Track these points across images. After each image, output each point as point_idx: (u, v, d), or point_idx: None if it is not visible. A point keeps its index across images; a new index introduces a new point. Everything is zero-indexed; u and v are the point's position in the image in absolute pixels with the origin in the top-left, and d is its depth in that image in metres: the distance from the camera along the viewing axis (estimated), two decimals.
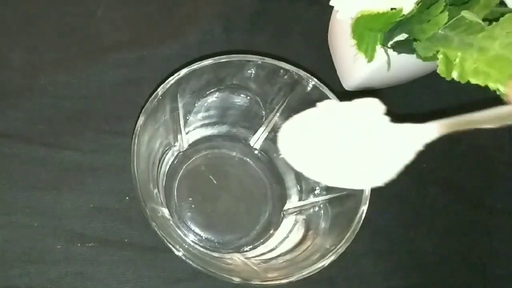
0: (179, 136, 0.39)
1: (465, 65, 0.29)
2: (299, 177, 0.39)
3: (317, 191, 0.38)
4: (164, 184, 0.38)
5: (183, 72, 0.34)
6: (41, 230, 0.37)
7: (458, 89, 0.34)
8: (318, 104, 0.28)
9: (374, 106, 0.27)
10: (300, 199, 0.39)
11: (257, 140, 0.40)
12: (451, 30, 0.32)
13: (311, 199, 0.38)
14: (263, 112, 0.39)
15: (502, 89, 0.28)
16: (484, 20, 0.30)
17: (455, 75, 0.30)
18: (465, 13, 0.30)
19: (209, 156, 0.40)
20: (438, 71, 0.31)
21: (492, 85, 0.28)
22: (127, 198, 0.38)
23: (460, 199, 0.43)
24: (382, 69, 0.37)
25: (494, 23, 0.30)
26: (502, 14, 0.30)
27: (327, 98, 0.35)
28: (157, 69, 0.42)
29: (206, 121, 0.40)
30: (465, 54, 0.29)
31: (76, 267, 0.36)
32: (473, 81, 0.29)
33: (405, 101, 0.45)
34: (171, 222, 0.36)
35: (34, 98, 0.40)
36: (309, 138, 0.28)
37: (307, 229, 0.37)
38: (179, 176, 0.39)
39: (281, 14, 0.47)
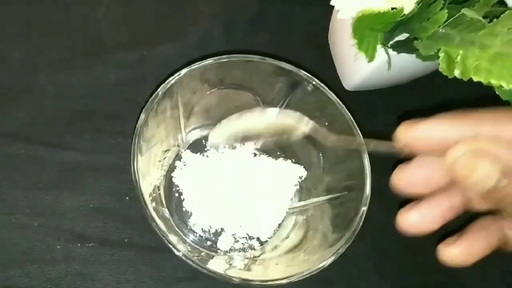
0: (179, 136, 0.39)
1: (466, 63, 0.29)
2: (300, 177, 0.39)
3: (317, 192, 0.38)
4: (164, 184, 0.38)
5: (183, 72, 0.34)
6: (41, 230, 0.36)
7: (460, 88, 0.34)
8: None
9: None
10: (300, 200, 0.39)
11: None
12: (452, 28, 0.32)
13: (311, 199, 0.38)
14: None
15: (505, 85, 0.28)
16: (484, 17, 0.30)
17: (457, 73, 0.30)
18: (465, 11, 0.30)
19: None
20: (440, 69, 0.30)
21: (494, 82, 0.28)
22: (127, 198, 0.38)
23: None
24: (383, 69, 0.37)
25: (495, 20, 0.30)
26: (502, 13, 0.30)
27: (327, 98, 0.35)
28: (157, 69, 0.42)
29: (206, 121, 0.40)
30: (466, 51, 0.29)
31: (76, 267, 0.36)
32: (475, 78, 0.29)
33: (406, 101, 0.45)
34: (171, 222, 0.36)
35: (34, 98, 0.40)
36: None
37: (307, 230, 0.37)
38: None
39: (281, 14, 0.47)
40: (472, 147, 0.22)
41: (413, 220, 0.26)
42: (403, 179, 0.26)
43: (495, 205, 0.24)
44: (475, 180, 0.22)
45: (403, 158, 0.26)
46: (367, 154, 0.33)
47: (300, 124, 0.33)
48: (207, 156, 0.39)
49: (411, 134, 0.24)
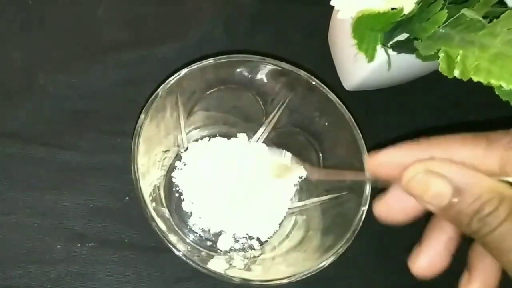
0: (179, 136, 0.39)
1: (466, 63, 0.29)
2: (300, 177, 0.39)
3: (317, 192, 0.38)
4: (164, 184, 0.38)
5: (183, 72, 0.34)
6: (41, 230, 0.36)
7: (459, 88, 0.34)
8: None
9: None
10: (300, 199, 0.39)
11: (257, 140, 0.40)
12: (451, 28, 0.32)
13: (312, 199, 0.38)
14: (263, 112, 0.39)
15: (504, 85, 0.28)
16: (484, 17, 0.30)
17: (457, 73, 0.30)
18: (465, 11, 0.30)
19: None
20: (440, 69, 0.30)
21: (494, 82, 0.28)
22: (127, 198, 0.38)
23: None
24: (383, 69, 0.37)
25: (494, 20, 0.30)
26: (502, 13, 0.30)
27: (327, 98, 0.35)
28: (157, 69, 0.42)
29: (206, 121, 0.40)
30: (466, 51, 0.29)
31: (76, 267, 0.36)
32: (475, 78, 0.29)
33: (406, 101, 0.45)
34: (171, 222, 0.36)
35: (34, 98, 0.40)
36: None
37: (307, 229, 0.37)
38: None
39: (281, 14, 0.47)
40: (425, 167, 0.24)
41: (424, 264, 0.27)
42: (382, 210, 0.27)
43: (454, 223, 0.25)
44: (429, 198, 0.24)
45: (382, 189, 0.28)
46: (367, 155, 0.33)
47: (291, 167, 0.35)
48: (207, 156, 0.39)
49: (375, 161, 0.26)
